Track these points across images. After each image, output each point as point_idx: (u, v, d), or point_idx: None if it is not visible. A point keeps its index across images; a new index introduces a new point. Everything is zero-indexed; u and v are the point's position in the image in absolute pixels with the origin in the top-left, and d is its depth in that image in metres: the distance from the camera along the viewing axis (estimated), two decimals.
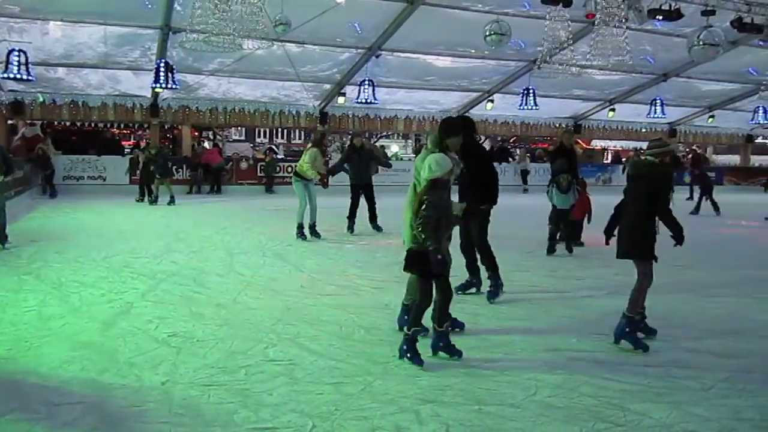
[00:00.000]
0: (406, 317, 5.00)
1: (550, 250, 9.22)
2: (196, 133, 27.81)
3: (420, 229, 4.34)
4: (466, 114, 22.39)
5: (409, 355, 4.47)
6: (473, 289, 6.55)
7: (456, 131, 5.42)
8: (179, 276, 7.22)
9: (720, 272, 8.18)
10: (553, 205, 9.39)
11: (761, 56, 18.10)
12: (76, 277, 7.05)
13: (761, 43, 15.98)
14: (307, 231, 10.18)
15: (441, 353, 4.61)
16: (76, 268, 7.50)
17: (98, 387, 3.95)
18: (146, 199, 15.75)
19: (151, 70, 16.48)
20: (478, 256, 6.48)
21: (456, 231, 6.15)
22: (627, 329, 4.93)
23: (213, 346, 4.75)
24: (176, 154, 23.15)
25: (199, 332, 5.10)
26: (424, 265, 4.41)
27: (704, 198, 15.51)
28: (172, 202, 15.02)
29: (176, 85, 16.54)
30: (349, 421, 3.52)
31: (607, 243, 5.30)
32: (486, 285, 6.47)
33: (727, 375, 4.37)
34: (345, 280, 7.27)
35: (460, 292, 6.26)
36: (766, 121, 24.08)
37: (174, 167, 19.47)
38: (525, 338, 5.13)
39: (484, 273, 6.54)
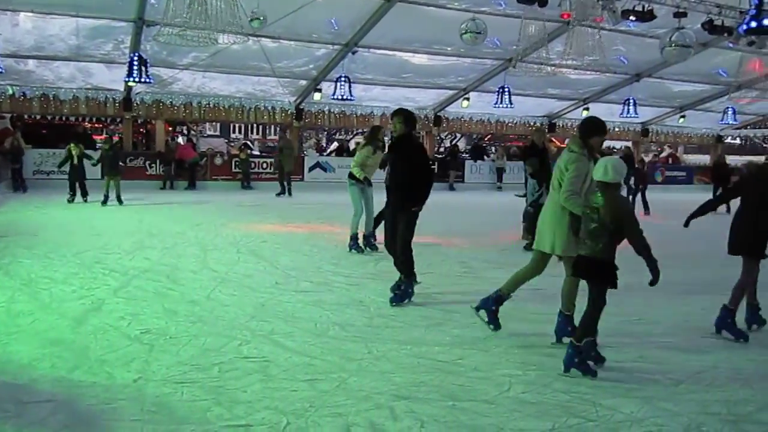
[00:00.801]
0: (569, 328, 4.85)
1: (530, 246, 9.28)
2: (170, 128, 27.49)
3: (636, 235, 4.17)
4: (441, 111, 22.48)
5: (582, 368, 4.26)
6: (406, 300, 6.12)
7: (600, 130, 4.99)
8: (152, 272, 7.14)
9: (691, 271, 8.34)
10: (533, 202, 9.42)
11: (731, 58, 18.41)
12: (47, 273, 6.94)
13: (731, 45, 16.27)
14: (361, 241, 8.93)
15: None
16: (46, 264, 7.38)
17: (68, 385, 3.90)
18: (78, 198, 13.95)
19: (124, 64, 16.23)
20: (402, 257, 6.09)
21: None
22: (729, 320, 5.28)
23: (186, 343, 4.71)
24: (150, 149, 22.86)
25: (172, 329, 5.05)
26: (605, 273, 4.29)
27: (638, 194, 15.74)
28: (119, 202, 13.60)
29: (150, 79, 16.32)
30: (323, 418, 3.52)
31: (686, 225, 5.78)
32: (421, 296, 6.19)
33: (695, 370, 4.45)
34: (320, 276, 7.25)
35: (394, 304, 5.98)
36: (735, 122, 24.53)
37: (147, 162, 19.22)
38: (499, 334, 5.17)
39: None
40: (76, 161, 14.03)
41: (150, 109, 19.51)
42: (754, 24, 8.67)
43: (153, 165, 19.24)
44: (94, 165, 14.32)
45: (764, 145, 33.33)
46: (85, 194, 14.07)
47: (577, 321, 4.59)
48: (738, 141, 33.93)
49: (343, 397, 3.82)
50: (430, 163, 6.20)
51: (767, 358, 4.79)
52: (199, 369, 4.20)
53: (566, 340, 4.78)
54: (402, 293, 6.03)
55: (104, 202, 13.48)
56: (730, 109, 23.34)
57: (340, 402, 3.75)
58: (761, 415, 3.74)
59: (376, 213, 8.78)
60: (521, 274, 5.29)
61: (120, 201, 13.67)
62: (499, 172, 23.01)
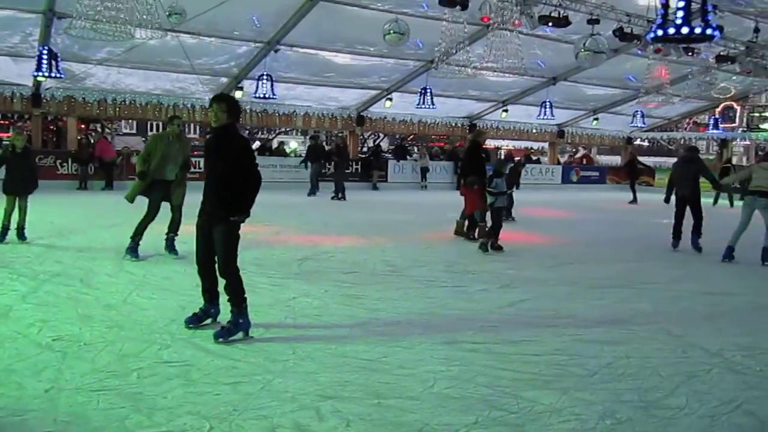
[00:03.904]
0: None
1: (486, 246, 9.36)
2: (83, 126, 26.36)
3: None
4: (364, 111, 22.54)
5: None
6: (209, 320, 5.21)
7: None
8: (64, 276, 6.82)
9: (602, 266, 8.70)
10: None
11: (639, 64, 19.36)
12: None
13: (639, 51, 17.14)
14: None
15: None
16: None
17: None
18: None
19: (32, 57, 15.41)
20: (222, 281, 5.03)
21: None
22: None
23: (102, 349, 4.53)
24: (60, 147, 21.83)
25: (87, 335, 4.84)
26: None
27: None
28: (20, 235, 8.68)
29: (61, 74, 15.56)
30: (248, 421, 3.47)
31: None
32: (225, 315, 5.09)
33: (609, 361, 4.66)
34: (243, 277, 7.11)
35: (192, 326, 5.10)
36: (643, 125, 25.80)
37: (58, 161, 18.32)
38: (423, 332, 5.24)
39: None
40: None
41: (61, 106, 18.65)
42: (660, 32, 9.15)
43: (65, 164, 18.37)
44: None
45: (669, 147, 35.23)
46: None
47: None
48: (646, 143, 35.69)
49: (267, 399, 3.78)
50: (256, 162, 5.04)
51: (673, 347, 5.07)
52: (116, 376, 4.05)
53: None
54: (230, 327, 4.89)
55: (3, 237, 8.65)
56: (638, 112, 24.55)
57: (264, 404, 3.70)
58: (669, 401, 3.96)
59: None
60: None
61: (22, 235, 8.72)
62: (423, 171, 23.31)
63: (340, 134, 24.05)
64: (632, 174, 20.73)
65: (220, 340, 4.79)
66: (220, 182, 4.89)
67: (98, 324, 5.14)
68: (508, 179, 13.38)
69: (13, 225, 8.67)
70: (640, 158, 28.71)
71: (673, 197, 10.16)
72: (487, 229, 9.53)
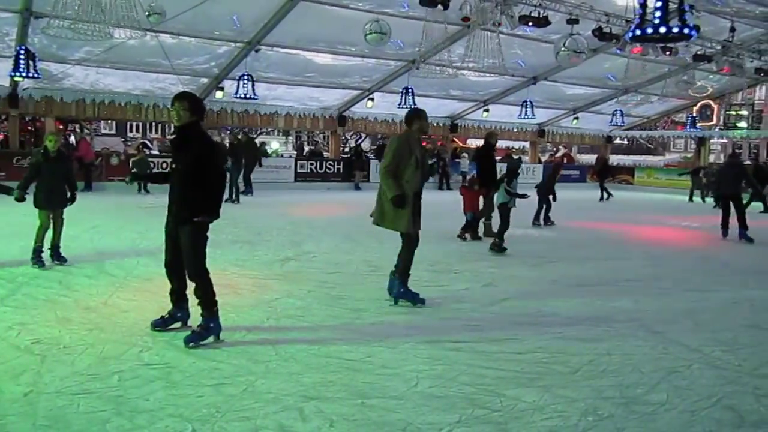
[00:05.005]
0: None
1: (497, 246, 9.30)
2: (62, 126, 26.04)
3: None
4: (345, 111, 22.50)
5: None
6: (178, 324, 5.10)
7: None
8: (43, 278, 6.73)
9: (584, 264, 8.77)
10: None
11: (618, 63, 19.54)
12: None
13: (618, 51, 17.31)
14: None
15: None
16: None
17: None
18: None
19: (9, 57, 15.19)
20: (191, 285, 4.93)
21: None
22: None
23: (82, 352, 4.48)
24: (38, 147, 21.55)
25: (66, 338, 4.79)
26: None
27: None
28: (56, 257, 7.62)
29: (38, 74, 15.36)
30: (231, 423, 3.45)
31: None
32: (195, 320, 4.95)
33: (590, 358, 4.70)
34: (224, 279, 7.07)
35: (158, 329, 5.01)
36: (622, 124, 26.07)
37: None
38: (406, 331, 5.25)
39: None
40: None
41: (39, 106, 18.40)
42: (638, 32, 9.28)
43: None
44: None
45: (648, 145, 35.62)
46: None
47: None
48: (625, 141, 36.05)
49: (250, 400, 3.76)
50: (224, 162, 4.82)
51: (654, 343, 5.13)
52: (96, 378, 4.00)
53: None
54: (201, 330, 4.76)
55: (38, 260, 7.36)
56: (618, 111, 24.79)
57: (247, 405, 3.68)
58: (650, 397, 4.00)
59: None
60: None
61: (58, 255, 7.62)
62: None
63: (244, 131, 23.66)
64: (602, 173, 21.26)
65: (191, 344, 4.67)
66: (184, 182, 4.76)
67: (78, 326, 5.08)
68: (547, 183, 13.10)
69: (47, 244, 7.53)
70: (622, 157, 29.13)
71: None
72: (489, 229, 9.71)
